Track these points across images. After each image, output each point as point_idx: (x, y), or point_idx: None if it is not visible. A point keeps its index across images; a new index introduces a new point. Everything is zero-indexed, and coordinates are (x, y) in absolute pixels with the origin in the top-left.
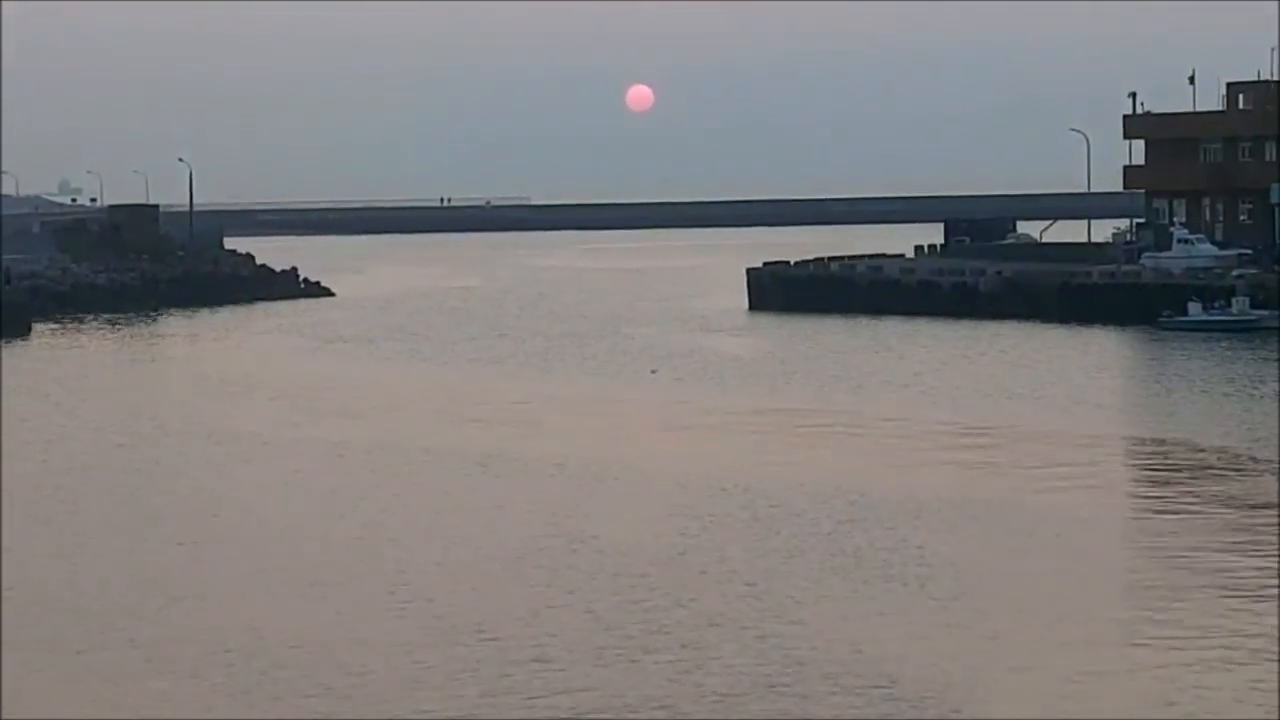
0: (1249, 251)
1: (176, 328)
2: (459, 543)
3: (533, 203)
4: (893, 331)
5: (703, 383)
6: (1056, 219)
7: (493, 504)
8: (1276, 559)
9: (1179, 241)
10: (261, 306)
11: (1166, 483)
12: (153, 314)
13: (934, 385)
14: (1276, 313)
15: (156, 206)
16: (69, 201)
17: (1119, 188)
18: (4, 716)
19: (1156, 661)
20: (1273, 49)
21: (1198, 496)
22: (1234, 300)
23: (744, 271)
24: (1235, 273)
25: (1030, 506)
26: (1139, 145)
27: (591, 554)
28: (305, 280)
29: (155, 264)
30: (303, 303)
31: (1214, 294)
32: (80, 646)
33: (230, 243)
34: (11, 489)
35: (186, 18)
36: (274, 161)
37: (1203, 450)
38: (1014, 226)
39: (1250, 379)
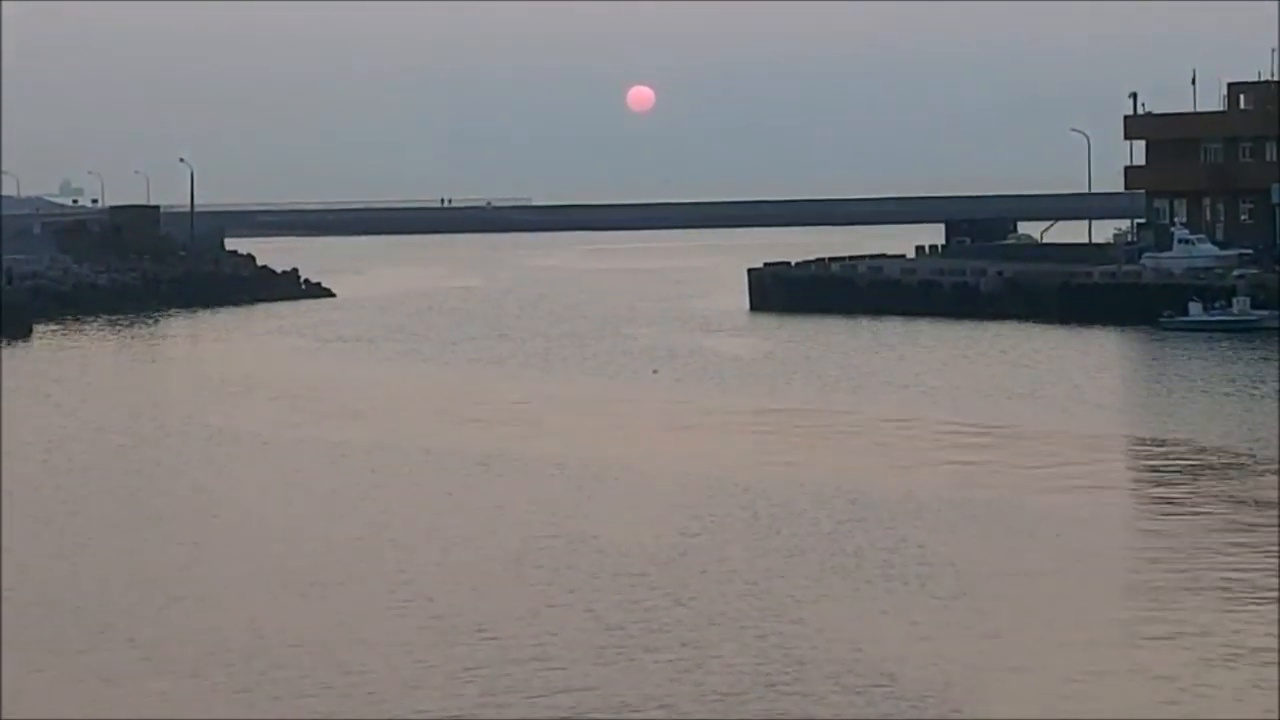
0: (1250, 252)
1: (177, 328)
2: (459, 543)
3: (533, 203)
4: (893, 332)
5: (703, 383)
6: (1057, 219)
7: (493, 504)
8: (1277, 559)
9: (1180, 242)
10: (262, 307)
11: (1167, 483)
12: (154, 315)
13: (935, 385)
14: (1277, 313)
15: (157, 207)
16: (70, 202)
17: (1120, 188)
18: (4, 716)
19: (1157, 661)
20: (1273, 49)
21: (1198, 496)
22: (1235, 300)
23: (745, 272)
24: (1236, 273)
25: (1030, 506)
26: (1140, 145)
27: (592, 554)
28: (306, 281)
29: (156, 265)
30: (303, 303)
31: (1215, 294)
32: (80, 646)
33: (231, 243)
34: (12, 489)
35: (186, 18)
36: (275, 162)
37: (1203, 450)
38: (1015, 227)
39: (1251, 379)
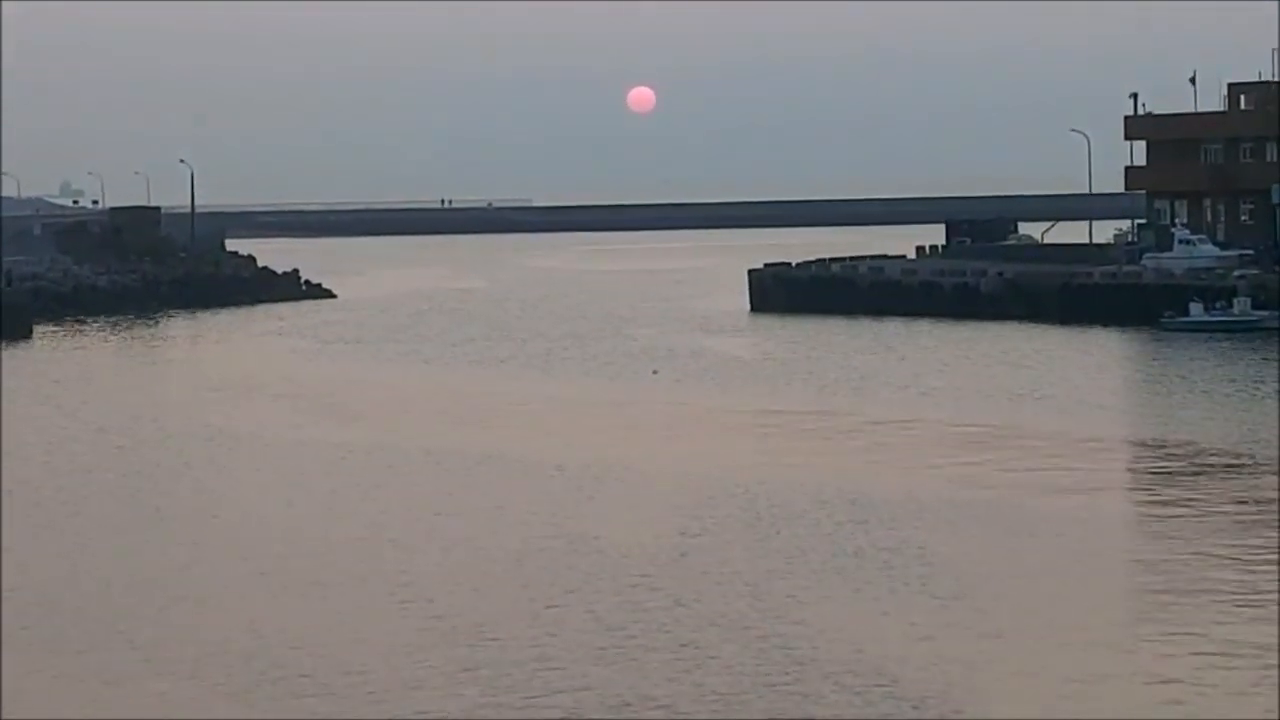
0: (1250, 252)
1: (178, 329)
2: (460, 543)
3: (534, 204)
4: (894, 332)
5: (704, 384)
6: (1058, 220)
7: (493, 504)
8: (1277, 559)
9: (1180, 242)
10: (263, 308)
11: (1167, 483)
12: (154, 316)
13: (935, 386)
14: (1278, 313)
15: (158, 208)
16: (70, 203)
17: (1120, 188)
18: (4, 717)
19: (1157, 662)
20: (1274, 49)
21: (1199, 497)
22: (1235, 301)
23: (746, 272)
24: (1237, 273)
25: (1031, 507)
26: (1140, 146)
27: (592, 554)
28: (307, 282)
29: (157, 266)
30: (304, 304)
31: (1215, 295)
32: (80, 647)
33: (232, 244)
34: (13, 490)
35: (187, 18)
36: (275, 163)
37: (1204, 451)
38: (1015, 227)
39: (1252, 379)
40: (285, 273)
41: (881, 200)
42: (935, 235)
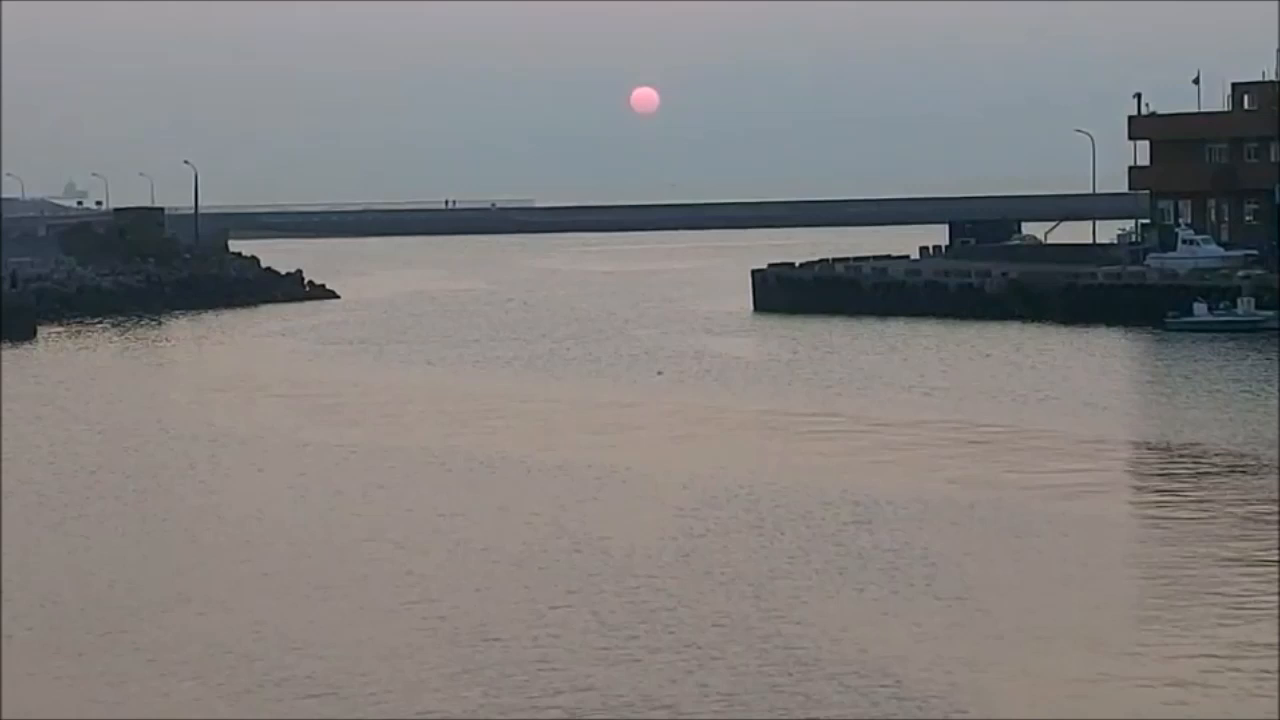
0: (1255, 252)
1: (182, 330)
2: (463, 545)
3: (537, 205)
4: (898, 333)
5: (707, 384)
6: (1061, 220)
7: (496, 505)
8: (1278, 561)
9: (1184, 242)
10: (266, 309)
11: (1172, 484)
12: (158, 317)
13: (939, 387)
14: None
15: (162, 209)
16: (75, 204)
17: (1124, 188)
18: (4, 717)
19: (1160, 662)
20: (1277, 49)
21: (1203, 497)
22: (1239, 301)
23: (749, 273)
24: (1241, 273)
25: (1035, 508)
26: (1144, 146)
27: (595, 555)
28: (310, 283)
29: (161, 267)
30: (307, 305)
31: (1219, 295)
32: (83, 647)
33: (235, 245)
34: (18, 491)
35: (190, 19)
36: (279, 164)
37: (1208, 451)
38: (1019, 227)
39: (1256, 379)
40: (288, 273)
41: (885, 201)
42: (939, 235)
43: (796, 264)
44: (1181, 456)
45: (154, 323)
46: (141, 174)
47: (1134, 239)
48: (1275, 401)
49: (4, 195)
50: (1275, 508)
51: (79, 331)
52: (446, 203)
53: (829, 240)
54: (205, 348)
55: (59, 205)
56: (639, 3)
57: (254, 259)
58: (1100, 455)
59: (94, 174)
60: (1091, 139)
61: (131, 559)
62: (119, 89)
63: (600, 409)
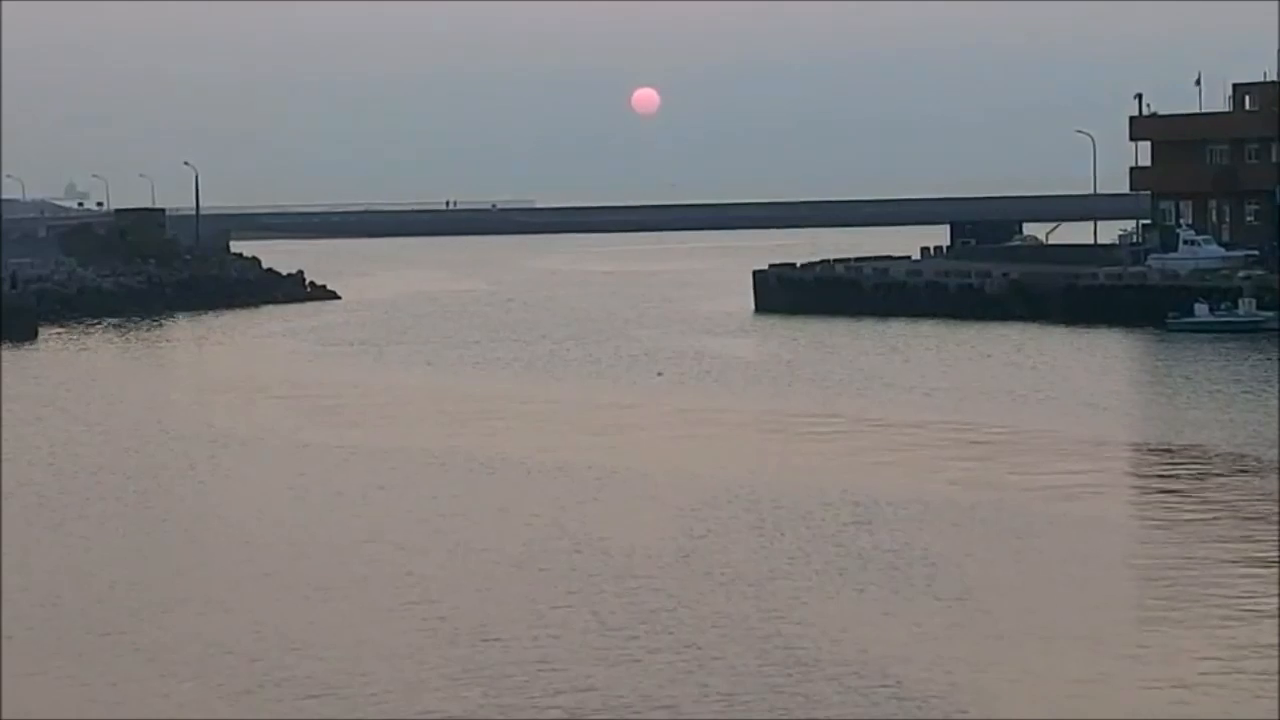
0: (1255, 253)
1: (182, 331)
2: (463, 545)
3: (537, 205)
4: (899, 333)
5: (708, 385)
6: (1062, 220)
7: (497, 506)
8: (1278, 561)
9: (1185, 243)
10: (267, 310)
11: (1172, 484)
12: (159, 318)
13: (940, 387)
14: None
15: (163, 210)
16: (75, 205)
17: (1125, 189)
18: (4, 717)
19: (1161, 662)
20: (1277, 50)
21: (1203, 498)
22: (1240, 301)
23: (750, 274)
24: (1242, 274)
25: (1035, 508)
26: (1145, 147)
27: (596, 556)
28: (311, 283)
29: (161, 267)
30: (308, 306)
31: (1220, 295)
32: (83, 647)
33: (236, 246)
34: (18, 492)
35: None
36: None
37: (1208, 452)
38: (1020, 228)
39: (1256, 380)
40: (289, 274)
41: (886, 201)
42: (940, 236)
43: (797, 264)
44: (1182, 457)
45: (155, 324)
46: (142, 175)
47: (1135, 240)
48: (1276, 402)
49: (4, 196)
50: (1276, 508)
51: (80, 333)
52: (447, 203)
53: (830, 240)
54: (206, 349)
55: (59, 206)
56: (639, 3)
57: (255, 260)
58: (1101, 456)
59: (95, 175)
60: (1092, 140)
61: (132, 559)
62: (119, 89)
63: (600, 410)
